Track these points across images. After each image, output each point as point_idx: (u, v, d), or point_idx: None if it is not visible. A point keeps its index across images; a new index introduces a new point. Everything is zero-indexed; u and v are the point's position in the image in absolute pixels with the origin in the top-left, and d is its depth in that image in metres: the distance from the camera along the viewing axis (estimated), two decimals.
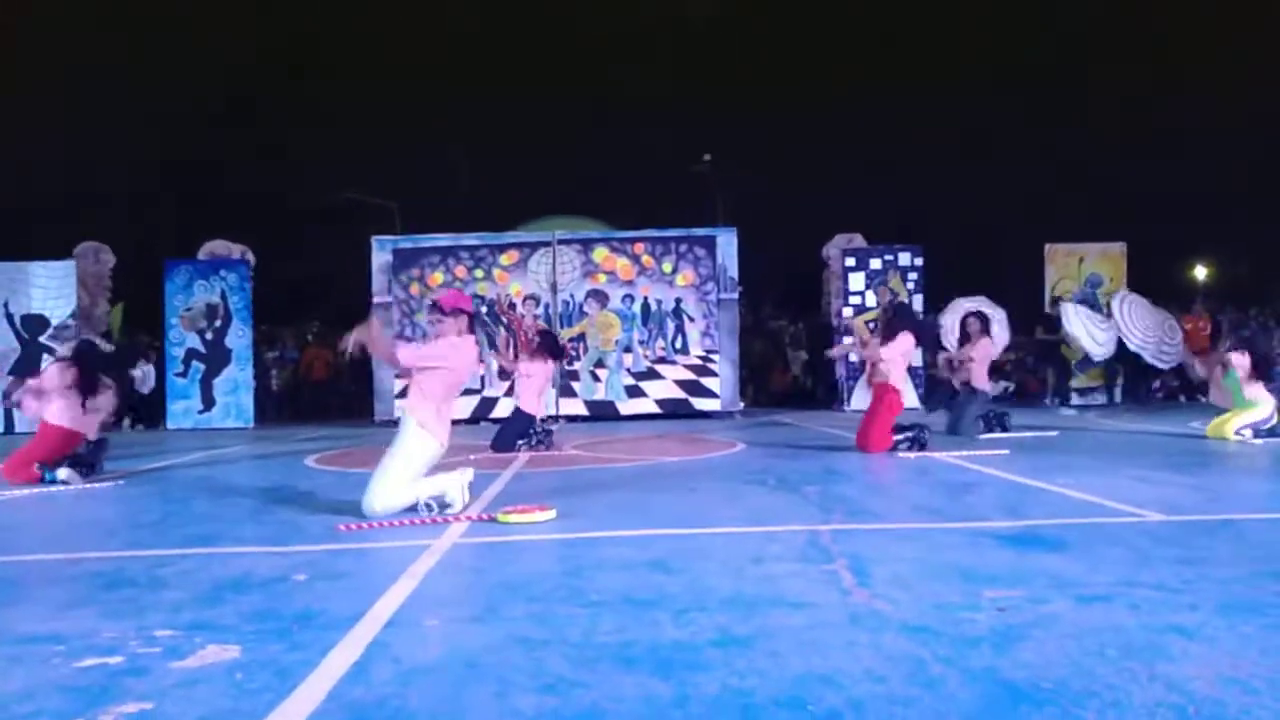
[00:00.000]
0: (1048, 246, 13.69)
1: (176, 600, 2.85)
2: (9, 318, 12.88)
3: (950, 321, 11.67)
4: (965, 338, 8.94)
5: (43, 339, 12.88)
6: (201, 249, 13.46)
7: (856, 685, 1.96)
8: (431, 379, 4.48)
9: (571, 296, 12.85)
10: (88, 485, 6.04)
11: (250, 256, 13.47)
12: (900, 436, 6.84)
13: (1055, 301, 13.16)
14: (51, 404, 6.31)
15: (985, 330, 8.85)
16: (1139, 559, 3.12)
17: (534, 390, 8.24)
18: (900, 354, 7.11)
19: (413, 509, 4.36)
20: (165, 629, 2.52)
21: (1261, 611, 2.45)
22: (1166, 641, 2.22)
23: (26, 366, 12.81)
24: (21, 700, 2.00)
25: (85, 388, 6.33)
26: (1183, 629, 2.31)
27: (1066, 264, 13.61)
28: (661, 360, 12.76)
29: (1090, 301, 13.49)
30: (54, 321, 12.90)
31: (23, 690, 2.06)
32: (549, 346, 8.49)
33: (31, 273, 12.95)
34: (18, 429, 12.56)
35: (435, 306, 4.82)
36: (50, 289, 12.94)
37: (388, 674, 2.11)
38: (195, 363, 12.94)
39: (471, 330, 4.75)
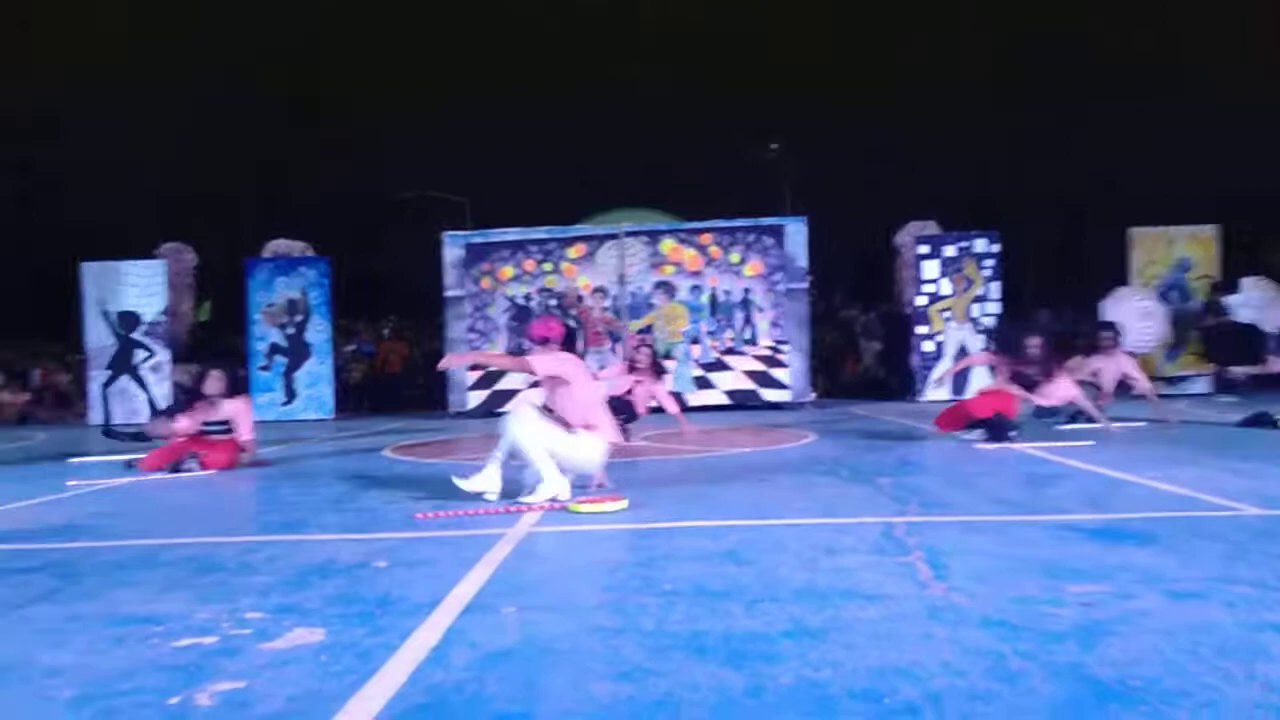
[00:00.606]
0: (1133, 230, 13.14)
1: (265, 585, 2.96)
2: (105, 315, 13.58)
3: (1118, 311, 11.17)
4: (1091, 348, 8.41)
5: (135, 335, 13.54)
6: (265, 249, 13.93)
7: (934, 679, 1.92)
8: (560, 397, 4.68)
9: (639, 288, 12.87)
10: (178, 475, 6.32)
11: (310, 253, 13.87)
12: (981, 429, 6.70)
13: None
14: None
15: (1117, 342, 8.38)
16: (1235, 554, 2.99)
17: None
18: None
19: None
20: (255, 611, 2.63)
21: None
22: (1265, 640, 2.12)
23: (121, 361, 13.50)
24: (124, 678, 2.11)
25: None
26: None
27: (1154, 247, 13.05)
28: (730, 351, 12.70)
29: (1180, 287, 12.94)
30: (146, 319, 13.54)
31: (125, 668, 2.17)
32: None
33: (124, 272, 13.60)
34: (115, 420, 13.23)
35: (528, 337, 5.01)
36: (142, 287, 13.58)
37: (465, 659, 2.15)
38: (278, 357, 13.42)
39: (569, 349, 4.88)
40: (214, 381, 6.61)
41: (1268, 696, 1.77)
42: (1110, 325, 8.73)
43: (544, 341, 4.79)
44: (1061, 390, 6.97)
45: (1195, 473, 4.89)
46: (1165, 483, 4.57)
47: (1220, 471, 4.94)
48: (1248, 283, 12.66)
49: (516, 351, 12.86)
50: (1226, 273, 12.95)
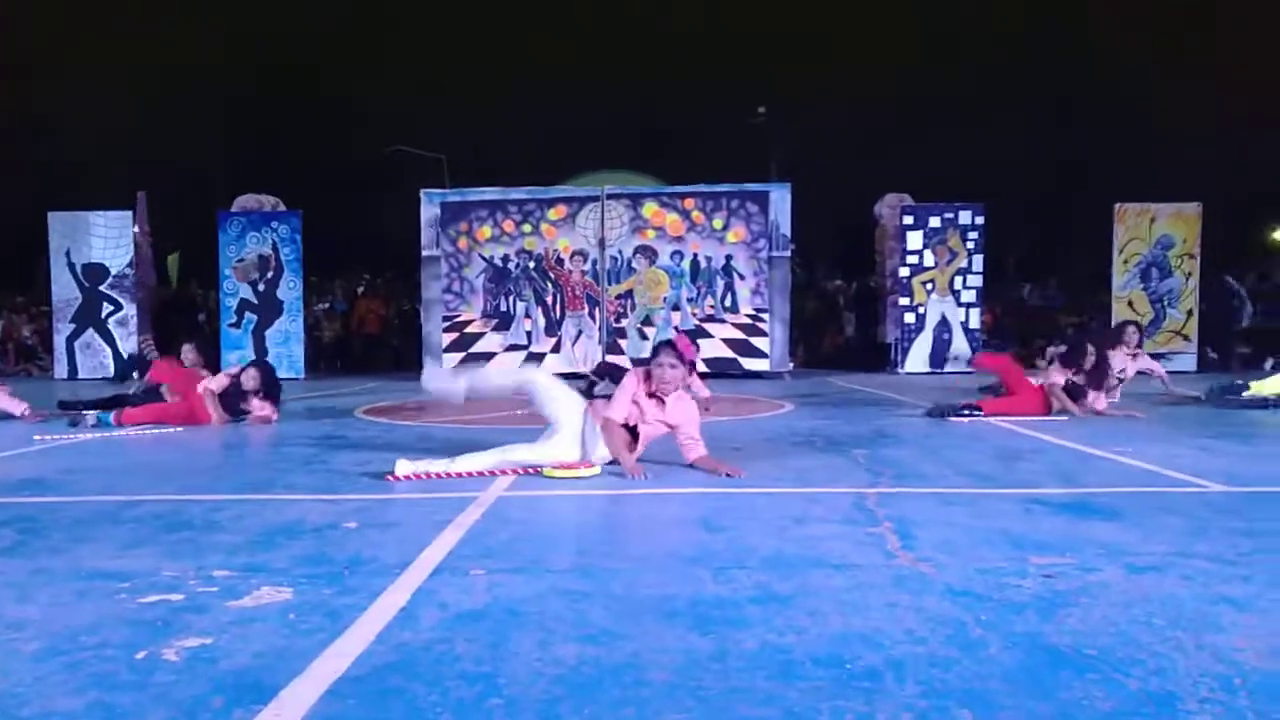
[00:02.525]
0: (1117, 206, 13.20)
1: (232, 543, 2.95)
2: (70, 267, 13.29)
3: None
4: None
5: (103, 287, 13.29)
6: (235, 203, 13.67)
7: (896, 646, 1.95)
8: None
9: (620, 252, 12.80)
10: (138, 431, 6.27)
11: (281, 208, 13.63)
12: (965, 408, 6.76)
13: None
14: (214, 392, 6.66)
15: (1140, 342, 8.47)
16: (1196, 529, 3.05)
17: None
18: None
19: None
20: (222, 570, 2.62)
21: None
22: (1217, 612, 2.17)
23: (87, 314, 13.27)
24: (90, 632, 2.09)
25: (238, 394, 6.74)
26: (1235, 600, 2.26)
27: (1137, 224, 13.14)
28: (710, 319, 12.70)
29: (1160, 264, 13.06)
30: (113, 270, 13.28)
31: (91, 623, 2.16)
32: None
33: (91, 222, 13.31)
34: (80, 375, 13.06)
35: (672, 349, 4.43)
36: (110, 238, 13.30)
37: (434, 619, 2.16)
38: (248, 314, 13.25)
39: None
40: (250, 379, 6.77)
41: (1214, 665, 1.82)
42: (1135, 323, 8.81)
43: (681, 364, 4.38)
44: (1098, 404, 6.96)
45: (1166, 449, 4.97)
46: (1135, 459, 4.65)
47: (1191, 449, 5.03)
48: None
49: (493, 314, 12.80)
50: (1209, 252, 13.07)
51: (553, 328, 12.77)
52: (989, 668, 1.83)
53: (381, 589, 2.40)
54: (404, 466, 4.18)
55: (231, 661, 1.90)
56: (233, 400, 6.69)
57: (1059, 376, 6.85)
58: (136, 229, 13.28)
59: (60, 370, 13.26)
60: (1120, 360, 7.92)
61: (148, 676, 1.82)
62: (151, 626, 2.13)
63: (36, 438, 5.87)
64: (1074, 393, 6.80)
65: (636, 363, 7.97)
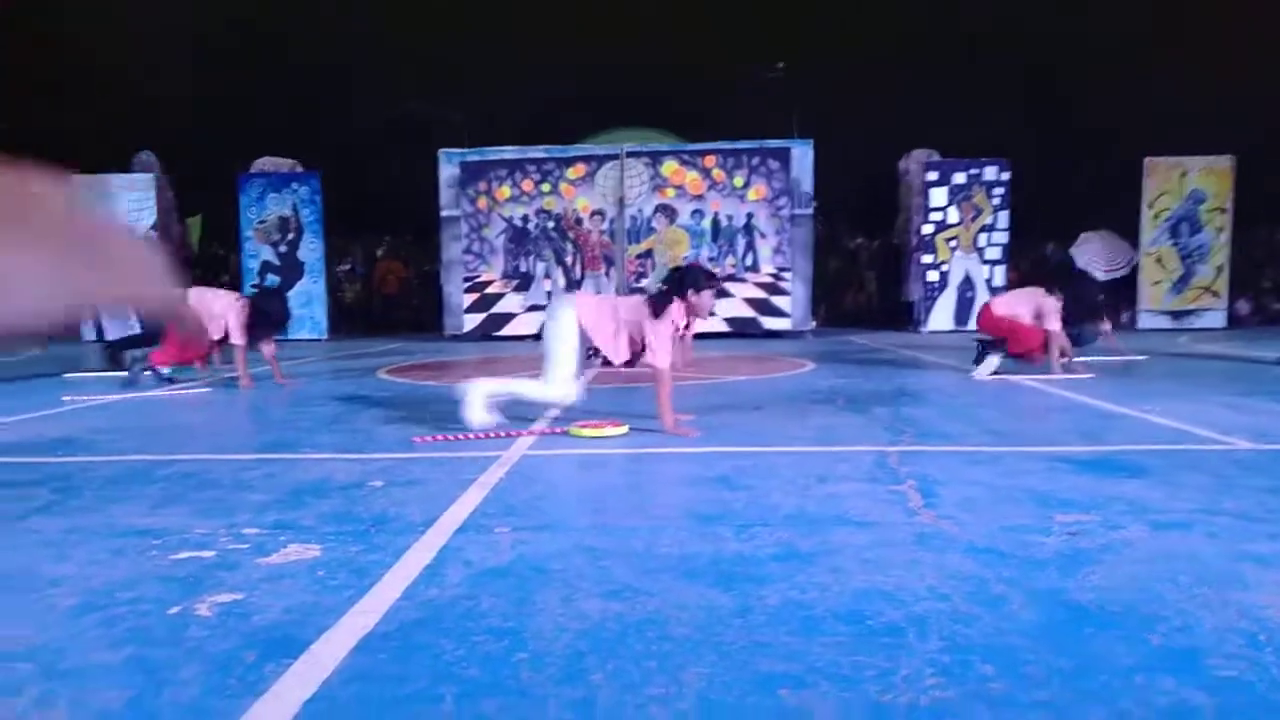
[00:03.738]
0: (1147, 160, 12.91)
1: (261, 502, 3.00)
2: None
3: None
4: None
5: None
6: (253, 166, 13.68)
7: (918, 602, 1.96)
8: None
9: (639, 211, 12.73)
10: (173, 391, 6.36)
11: (299, 169, 13.64)
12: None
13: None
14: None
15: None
16: (1222, 486, 3.02)
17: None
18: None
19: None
20: (251, 528, 2.67)
21: None
22: (1242, 569, 2.15)
23: None
24: (125, 588, 2.14)
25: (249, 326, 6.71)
26: (1261, 557, 2.24)
27: (1168, 178, 12.86)
28: (731, 278, 12.63)
29: (1190, 219, 12.81)
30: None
31: (125, 579, 2.21)
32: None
33: (114, 185, 13.39)
34: (109, 337, 13.22)
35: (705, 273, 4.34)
36: (132, 201, 13.39)
37: (459, 576, 2.19)
38: (270, 275, 13.35)
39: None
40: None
41: (1239, 622, 1.81)
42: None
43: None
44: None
45: (1193, 407, 4.91)
46: (1161, 416, 4.60)
47: (1218, 406, 4.97)
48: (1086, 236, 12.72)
49: (514, 275, 12.79)
50: (1240, 205, 12.80)
51: (572, 288, 12.75)
52: (1011, 624, 1.83)
53: (407, 546, 2.44)
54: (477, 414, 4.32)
55: (263, 617, 1.94)
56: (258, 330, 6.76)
57: (1057, 323, 6.83)
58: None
59: (88, 332, 13.44)
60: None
61: (181, 631, 1.87)
62: (184, 583, 2.18)
63: (66, 398, 5.97)
64: (1073, 334, 6.89)
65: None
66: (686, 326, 4.25)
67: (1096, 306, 7.24)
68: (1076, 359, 7.19)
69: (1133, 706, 1.46)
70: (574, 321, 4.25)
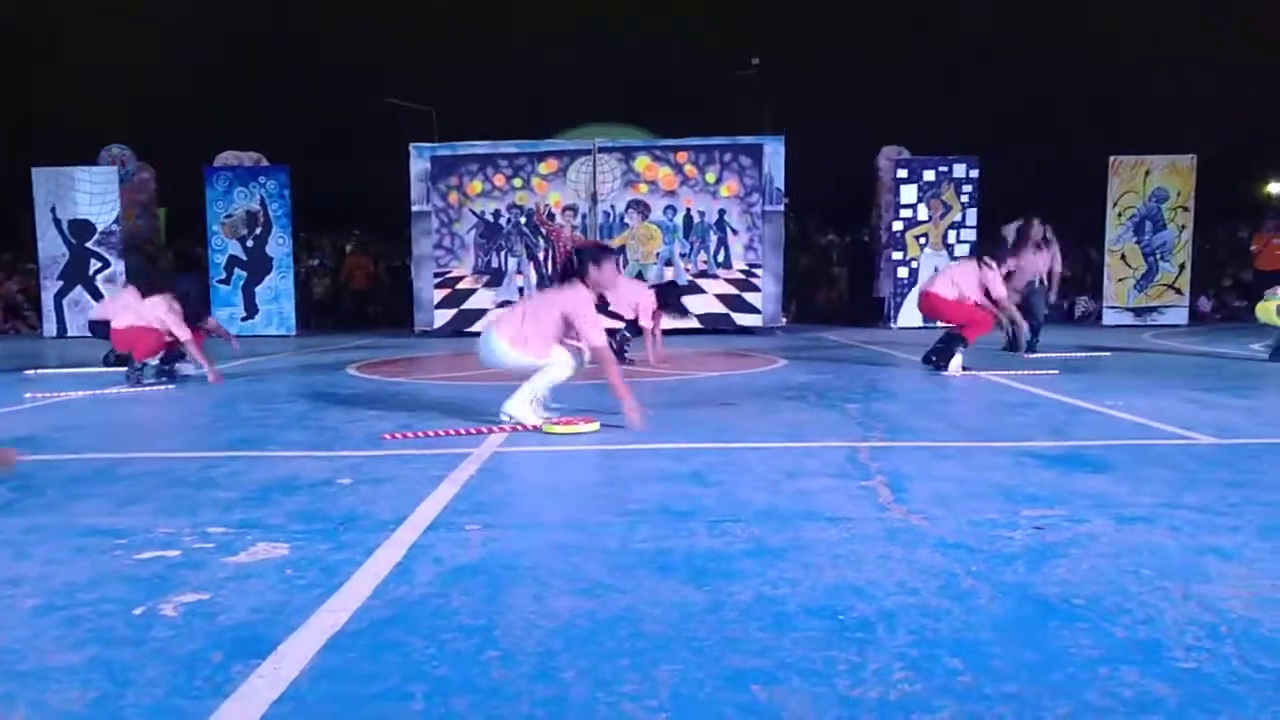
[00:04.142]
0: (1112, 158, 13.11)
1: (227, 500, 2.96)
2: (56, 223, 13.13)
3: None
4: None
5: (89, 244, 13.15)
6: (217, 158, 13.49)
7: (889, 597, 1.98)
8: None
9: (612, 207, 12.71)
10: (140, 388, 6.26)
11: (264, 163, 13.48)
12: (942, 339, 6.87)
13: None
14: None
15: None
16: (1184, 481, 3.08)
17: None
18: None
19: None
20: (217, 526, 2.63)
21: None
22: (1204, 562, 2.20)
23: (75, 271, 13.13)
24: (88, 588, 2.10)
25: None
26: (1222, 550, 2.29)
27: (1132, 177, 13.07)
28: (703, 274, 12.66)
29: (1153, 217, 13.02)
30: (100, 227, 13.13)
31: (88, 579, 2.17)
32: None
33: (76, 178, 13.12)
34: (70, 333, 12.98)
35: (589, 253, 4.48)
36: (95, 194, 13.13)
37: (430, 574, 2.18)
38: (237, 270, 13.15)
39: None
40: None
41: (1201, 614, 1.85)
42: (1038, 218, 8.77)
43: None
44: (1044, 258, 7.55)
45: (1155, 402, 5.00)
46: (1125, 412, 4.68)
47: (1181, 402, 5.06)
48: None
49: (485, 270, 12.72)
50: (1202, 203, 13.04)
51: (544, 284, 12.71)
52: (979, 617, 1.85)
53: (377, 544, 2.42)
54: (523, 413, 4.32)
55: (229, 616, 1.91)
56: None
57: (1004, 289, 6.97)
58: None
59: (49, 328, 13.17)
60: (1036, 259, 8.38)
61: (146, 632, 1.83)
62: (148, 583, 2.14)
63: (28, 396, 5.85)
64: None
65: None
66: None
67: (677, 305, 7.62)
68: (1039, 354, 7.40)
69: (1097, 698, 1.49)
70: (504, 344, 4.33)
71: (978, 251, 13.21)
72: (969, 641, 1.73)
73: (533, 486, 3.21)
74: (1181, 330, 12.08)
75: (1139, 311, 13.14)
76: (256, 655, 1.70)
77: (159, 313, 6.55)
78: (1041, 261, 8.52)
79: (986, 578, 2.10)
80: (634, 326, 7.59)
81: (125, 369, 6.64)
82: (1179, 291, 13.18)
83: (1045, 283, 8.66)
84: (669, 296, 7.66)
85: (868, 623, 1.83)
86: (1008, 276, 7.22)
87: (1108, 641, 1.72)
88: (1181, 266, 13.13)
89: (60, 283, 13.20)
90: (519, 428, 4.29)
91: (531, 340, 4.32)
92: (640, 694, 1.53)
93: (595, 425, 4.25)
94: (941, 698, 1.49)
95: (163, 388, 6.34)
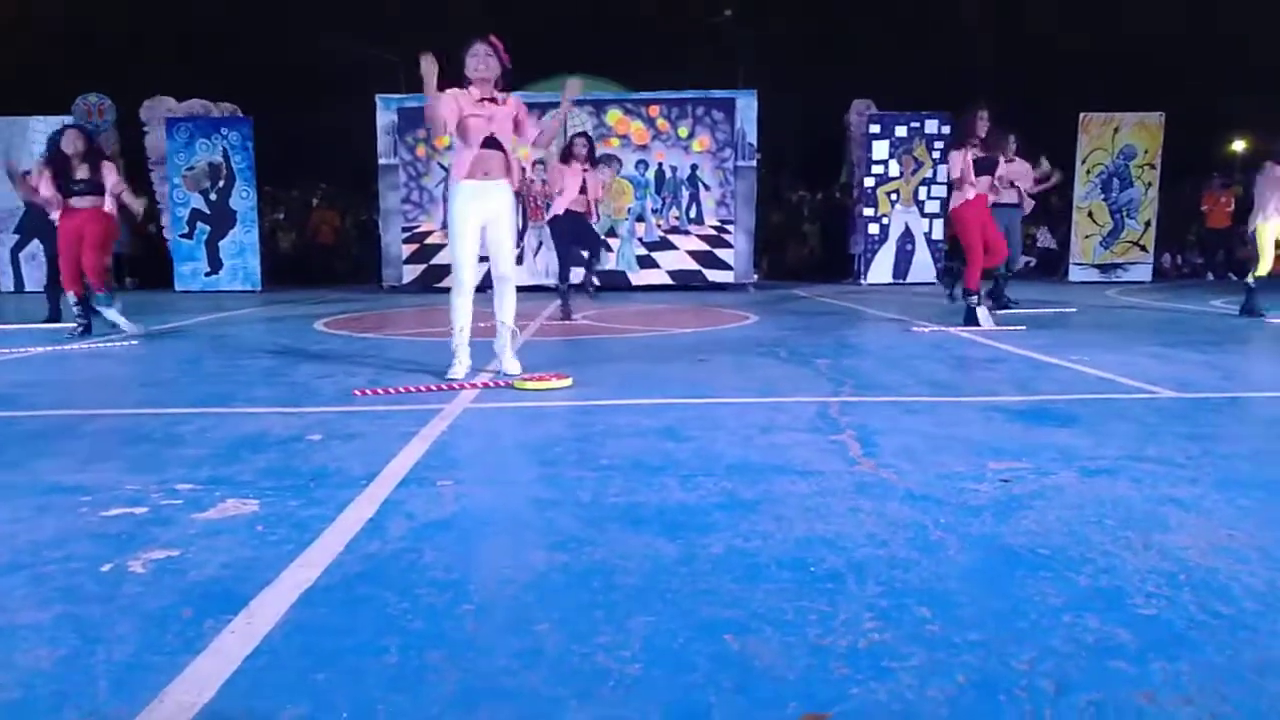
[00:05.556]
0: (1082, 115, 13.14)
1: (195, 457, 2.92)
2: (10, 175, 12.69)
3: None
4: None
5: None
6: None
7: (858, 549, 2.01)
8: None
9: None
10: (96, 344, 6.13)
11: (214, 114, 13.12)
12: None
13: None
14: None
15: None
16: (1146, 434, 3.14)
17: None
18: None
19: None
20: (185, 483, 2.60)
21: (1261, 486, 2.48)
22: (1164, 513, 2.25)
23: (32, 224, 12.74)
24: (54, 546, 2.07)
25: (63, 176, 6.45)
26: (1181, 501, 2.34)
27: (1101, 134, 13.13)
28: (675, 230, 12.58)
29: (1121, 175, 13.12)
30: None
31: (55, 537, 2.14)
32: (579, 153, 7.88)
33: (31, 127, 12.68)
34: (27, 287, 12.65)
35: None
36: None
37: (402, 530, 2.17)
38: (200, 224, 12.84)
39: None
40: (71, 140, 6.45)
41: (1161, 563, 1.90)
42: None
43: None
44: (1020, 169, 7.22)
45: (1119, 357, 5.09)
46: (1090, 367, 4.76)
47: (1144, 357, 5.16)
48: None
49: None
50: (1168, 161, 13.14)
51: (515, 239, 12.58)
52: (947, 568, 1.89)
53: (348, 501, 2.40)
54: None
55: (200, 573, 1.90)
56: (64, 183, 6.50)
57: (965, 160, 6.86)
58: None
59: (6, 282, 12.83)
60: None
61: (115, 589, 1.82)
62: (116, 539, 2.11)
63: None
64: (986, 166, 6.94)
65: None
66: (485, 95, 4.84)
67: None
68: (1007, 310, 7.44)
69: (1061, 644, 1.53)
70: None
71: (947, 208, 13.30)
72: (937, 591, 1.76)
73: (505, 442, 3.20)
74: (1146, 286, 12.27)
75: (1104, 268, 13.30)
76: (228, 611, 1.69)
77: (108, 183, 6.38)
78: (1018, 173, 8.16)
79: (954, 529, 2.13)
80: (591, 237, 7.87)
81: (76, 314, 6.53)
82: (1144, 249, 13.35)
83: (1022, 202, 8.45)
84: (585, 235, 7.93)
85: (838, 574, 1.86)
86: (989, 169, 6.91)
87: (1071, 590, 1.77)
88: (1147, 224, 13.28)
89: (16, 237, 12.82)
90: (491, 384, 4.27)
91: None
92: (614, 645, 1.54)
93: (568, 381, 4.24)
94: (910, 645, 1.53)
95: (117, 344, 6.21)
